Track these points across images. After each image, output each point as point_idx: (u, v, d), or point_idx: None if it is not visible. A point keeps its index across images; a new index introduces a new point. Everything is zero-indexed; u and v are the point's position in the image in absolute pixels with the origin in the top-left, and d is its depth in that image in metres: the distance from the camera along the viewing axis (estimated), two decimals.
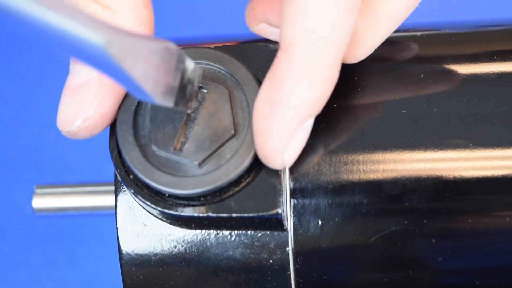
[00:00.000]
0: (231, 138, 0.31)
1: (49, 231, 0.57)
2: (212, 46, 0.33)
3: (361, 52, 0.31)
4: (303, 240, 0.31)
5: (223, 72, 0.32)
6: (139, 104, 0.32)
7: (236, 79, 0.31)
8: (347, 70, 0.32)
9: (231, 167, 0.30)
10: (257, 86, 0.31)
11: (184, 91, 0.29)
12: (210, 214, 0.30)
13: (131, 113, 0.31)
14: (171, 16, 0.60)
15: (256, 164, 0.31)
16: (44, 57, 0.61)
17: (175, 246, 0.32)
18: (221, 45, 0.33)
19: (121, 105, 0.32)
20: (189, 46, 0.32)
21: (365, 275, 0.32)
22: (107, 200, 0.40)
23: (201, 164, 0.30)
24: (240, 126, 0.31)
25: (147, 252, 0.32)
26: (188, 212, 0.30)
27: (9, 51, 0.61)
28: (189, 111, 0.31)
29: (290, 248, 0.31)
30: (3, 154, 0.59)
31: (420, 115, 0.31)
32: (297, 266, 0.31)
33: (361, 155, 0.31)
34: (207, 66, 0.32)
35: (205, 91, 0.31)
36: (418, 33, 0.34)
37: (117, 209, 0.32)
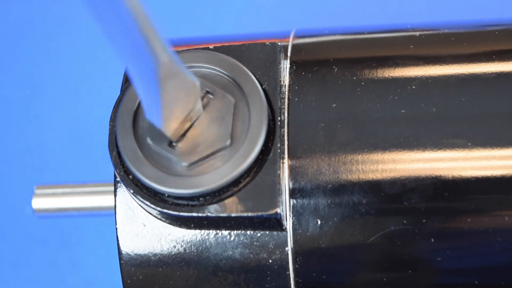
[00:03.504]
0: (224, 148, 0.31)
1: (49, 231, 0.57)
2: (211, 46, 0.33)
3: None
4: (303, 240, 0.31)
5: (232, 81, 0.32)
6: (139, 105, 0.32)
7: (243, 92, 0.31)
8: (345, 69, 0.32)
9: (231, 168, 0.30)
10: (262, 101, 0.31)
11: (183, 126, 0.30)
12: (209, 214, 0.30)
13: (131, 114, 0.31)
14: (171, 16, 0.60)
15: (255, 164, 0.31)
16: (44, 57, 0.61)
17: (174, 246, 0.32)
18: (220, 45, 0.33)
19: (121, 106, 0.32)
20: (203, 47, 0.32)
21: (364, 274, 0.32)
22: (107, 200, 0.40)
23: (190, 166, 0.30)
24: (237, 138, 0.31)
25: (146, 252, 0.32)
26: (187, 212, 0.30)
27: (9, 51, 0.61)
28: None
29: (289, 248, 0.31)
30: (3, 154, 0.59)
31: (419, 115, 0.31)
32: (296, 266, 0.31)
33: (360, 155, 0.31)
34: (219, 73, 0.32)
35: (211, 97, 0.31)
36: (417, 33, 0.34)
37: (117, 209, 0.32)
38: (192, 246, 0.32)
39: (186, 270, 0.32)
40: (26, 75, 0.61)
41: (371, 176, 0.31)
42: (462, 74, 0.32)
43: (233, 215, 0.30)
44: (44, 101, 0.60)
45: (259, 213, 0.30)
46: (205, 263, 0.32)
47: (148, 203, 0.31)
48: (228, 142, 0.30)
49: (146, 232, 0.32)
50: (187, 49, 0.33)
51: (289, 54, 0.33)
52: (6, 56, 0.61)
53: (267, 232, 0.31)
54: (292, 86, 0.32)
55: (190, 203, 0.31)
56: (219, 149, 0.30)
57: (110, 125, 0.32)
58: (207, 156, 0.30)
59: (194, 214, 0.30)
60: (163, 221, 0.32)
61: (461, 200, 0.30)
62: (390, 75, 0.32)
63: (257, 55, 0.32)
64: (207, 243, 0.32)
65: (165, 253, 0.32)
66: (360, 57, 0.33)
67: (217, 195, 0.30)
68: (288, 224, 0.31)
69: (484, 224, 0.30)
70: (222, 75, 0.32)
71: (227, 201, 0.30)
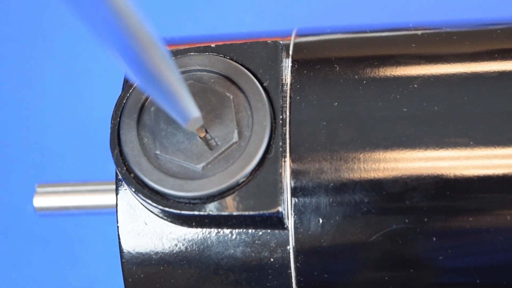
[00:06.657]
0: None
1: (50, 230, 0.57)
2: (213, 44, 0.33)
3: None
4: (304, 239, 0.31)
5: (225, 78, 0.32)
6: (143, 105, 0.32)
7: (244, 92, 0.31)
8: (347, 68, 0.32)
9: (234, 170, 0.30)
10: (264, 101, 0.31)
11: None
12: (211, 212, 0.30)
13: (136, 113, 0.31)
14: (171, 16, 0.60)
15: (257, 163, 0.31)
16: (44, 57, 0.61)
17: (176, 245, 0.32)
18: (221, 43, 0.33)
19: (126, 105, 0.32)
20: (205, 45, 0.32)
21: (366, 273, 0.32)
22: (108, 198, 0.40)
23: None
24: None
25: (148, 250, 0.32)
26: (188, 210, 0.30)
27: (9, 51, 0.61)
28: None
29: (291, 247, 0.31)
30: (3, 153, 0.59)
31: (421, 114, 0.31)
32: (298, 264, 0.31)
33: (362, 154, 0.31)
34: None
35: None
36: (419, 32, 0.34)
37: (118, 207, 0.32)
38: (194, 245, 0.32)
39: (187, 268, 0.32)
40: (27, 73, 0.61)
41: (372, 174, 0.31)
42: (464, 73, 0.32)
43: (234, 213, 0.30)
44: (46, 99, 0.60)
45: (261, 212, 0.30)
46: (207, 261, 0.32)
47: (149, 201, 0.31)
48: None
49: (147, 231, 0.32)
50: (187, 48, 0.33)
51: (291, 52, 0.33)
52: (7, 55, 0.61)
53: (269, 230, 0.31)
54: (293, 85, 0.32)
55: (192, 201, 0.31)
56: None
57: (111, 124, 0.32)
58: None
59: (196, 213, 0.30)
60: (165, 219, 0.32)
61: (463, 199, 0.30)
62: (392, 74, 0.32)
63: (259, 54, 0.32)
64: (209, 242, 0.32)
65: (167, 251, 0.32)
66: (362, 56, 0.33)
67: (219, 193, 0.30)
68: (290, 222, 0.31)
69: (486, 223, 0.30)
70: (221, 77, 0.32)
71: (228, 200, 0.30)
